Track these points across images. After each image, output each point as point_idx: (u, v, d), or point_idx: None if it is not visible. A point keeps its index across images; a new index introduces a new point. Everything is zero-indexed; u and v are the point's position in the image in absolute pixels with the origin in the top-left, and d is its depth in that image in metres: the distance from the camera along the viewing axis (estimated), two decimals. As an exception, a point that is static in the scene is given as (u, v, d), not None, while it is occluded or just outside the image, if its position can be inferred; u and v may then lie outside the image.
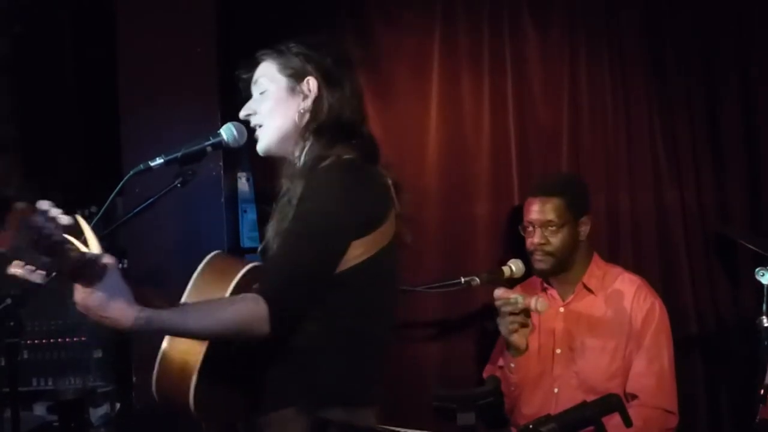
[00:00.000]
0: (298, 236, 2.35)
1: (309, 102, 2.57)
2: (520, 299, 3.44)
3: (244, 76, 2.68)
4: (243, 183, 4.09)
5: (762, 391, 3.21)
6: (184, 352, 2.30)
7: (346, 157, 2.46)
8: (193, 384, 2.29)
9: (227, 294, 2.35)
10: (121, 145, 3.77)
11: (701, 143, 4.09)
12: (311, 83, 2.57)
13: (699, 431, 3.99)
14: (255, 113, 2.61)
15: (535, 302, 3.40)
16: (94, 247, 2.02)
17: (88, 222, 2.07)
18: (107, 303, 2.04)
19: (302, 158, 2.52)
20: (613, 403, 2.62)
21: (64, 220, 1.94)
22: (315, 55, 2.59)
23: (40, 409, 3.90)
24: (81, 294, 2.04)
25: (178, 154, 2.61)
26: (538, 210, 3.66)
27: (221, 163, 3.76)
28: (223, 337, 2.25)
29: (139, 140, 3.70)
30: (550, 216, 3.63)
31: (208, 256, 2.45)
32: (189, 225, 3.73)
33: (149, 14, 3.81)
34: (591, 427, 2.56)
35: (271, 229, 2.50)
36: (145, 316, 2.09)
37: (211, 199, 3.75)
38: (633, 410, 3.09)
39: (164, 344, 2.33)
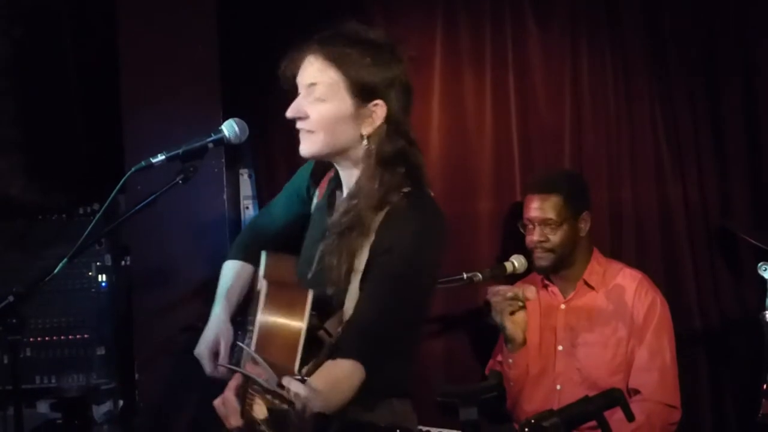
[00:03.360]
0: (395, 295, 2.34)
1: (373, 128, 2.42)
2: (507, 289, 3.52)
3: (288, 72, 2.49)
4: (245, 179, 4.10)
5: (765, 386, 3.21)
6: None
7: (418, 192, 2.43)
8: None
9: (304, 325, 2.30)
10: (123, 143, 3.78)
11: (703, 138, 4.08)
12: (379, 109, 2.40)
13: (702, 426, 3.99)
14: (306, 118, 2.44)
15: (521, 290, 3.48)
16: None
17: (90, 219, 2.07)
18: None
19: (364, 181, 2.43)
20: (616, 397, 2.62)
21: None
22: (387, 74, 2.41)
23: (43, 407, 3.91)
24: None
25: (180, 151, 2.60)
26: (537, 207, 3.66)
27: (223, 160, 3.77)
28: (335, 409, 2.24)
29: (141, 138, 3.72)
30: (550, 214, 3.63)
31: (265, 286, 2.38)
32: (191, 222, 3.74)
33: (150, 12, 3.82)
34: (593, 422, 2.56)
35: (318, 243, 2.49)
36: None
37: (213, 196, 3.76)
38: (636, 405, 3.10)
39: None
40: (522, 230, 3.73)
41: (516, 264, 3.72)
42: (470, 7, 4.16)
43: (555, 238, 3.64)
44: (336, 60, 2.40)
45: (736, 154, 4.06)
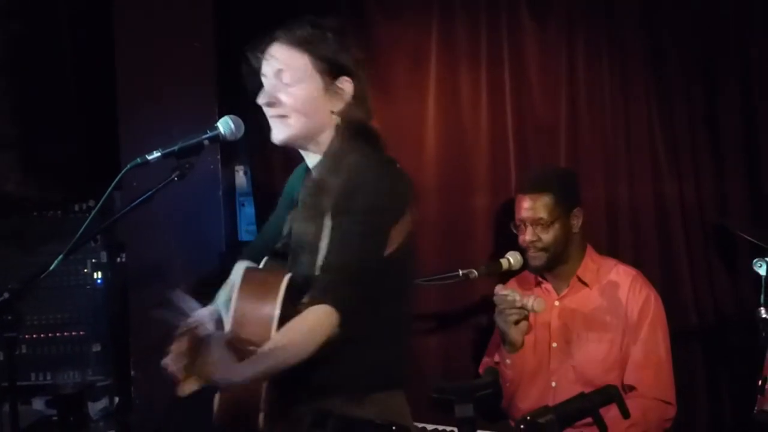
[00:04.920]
0: (352, 235, 2.37)
1: (343, 103, 2.53)
2: (518, 297, 3.48)
3: (258, 55, 2.58)
4: (240, 176, 4.11)
5: (760, 382, 3.21)
6: None
7: (373, 154, 2.50)
8: (262, 398, 2.30)
9: (276, 309, 2.32)
10: (119, 140, 3.77)
11: (700, 135, 4.08)
12: (347, 85, 2.52)
13: (698, 422, 3.99)
14: (278, 103, 2.53)
15: (533, 302, 3.44)
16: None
17: (86, 216, 2.08)
18: (217, 370, 2.19)
19: (329, 152, 2.52)
20: (611, 394, 2.62)
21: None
22: (347, 51, 2.54)
23: (38, 404, 3.91)
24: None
25: (176, 148, 2.60)
26: (528, 208, 3.65)
27: (219, 157, 3.76)
28: (311, 354, 2.27)
29: (137, 135, 3.71)
30: (541, 213, 3.63)
31: (242, 274, 2.42)
32: (187, 218, 3.74)
33: (147, 10, 3.82)
34: (589, 419, 2.56)
35: (298, 219, 2.51)
36: (248, 372, 2.20)
37: (209, 193, 3.76)
38: (631, 401, 3.10)
39: None
40: (514, 230, 3.73)
41: (512, 261, 3.73)
42: (466, 4, 4.16)
43: (547, 237, 3.64)
44: (301, 43, 2.52)
45: (733, 152, 4.06)
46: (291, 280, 2.39)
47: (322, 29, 2.55)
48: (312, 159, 2.60)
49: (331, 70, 2.51)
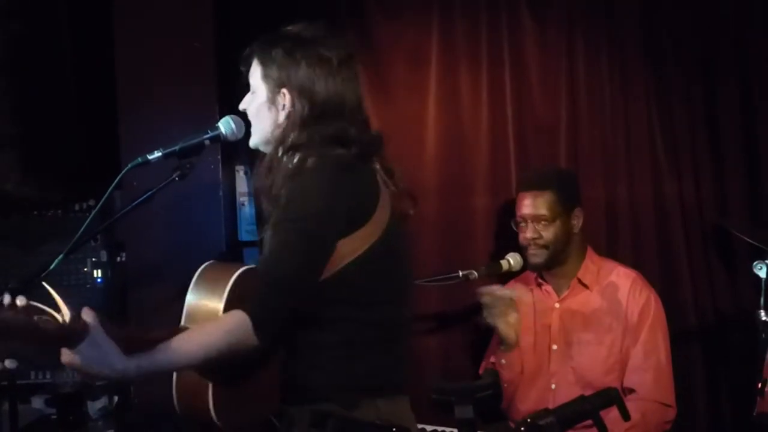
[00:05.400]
0: (279, 246, 2.34)
1: (284, 116, 2.53)
2: (496, 289, 3.58)
3: (243, 68, 2.65)
4: (241, 176, 4.10)
5: (760, 384, 3.21)
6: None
7: (324, 157, 2.44)
8: (210, 395, 2.29)
9: (221, 304, 2.32)
10: (119, 139, 3.77)
11: (700, 135, 4.08)
12: (286, 97, 2.52)
13: (698, 424, 3.99)
14: (247, 110, 2.63)
15: (511, 291, 3.55)
16: (64, 309, 2.01)
17: (86, 216, 2.07)
18: (94, 361, 2.06)
19: (286, 160, 2.50)
20: (612, 396, 2.62)
21: (21, 301, 1.95)
22: (293, 63, 2.51)
23: (38, 403, 3.90)
24: (67, 356, 2.05)
25: (176, 148, 2.61)
26: (529, 204, 3.67)
27: (219, 157, 3.76)
28: (218, 359, 2.22)
29: (137, 135, 3.71)
30: (542, 210, 3.64)
31: (200, 269, 2.41)
32: (187, 218, 3.73)
33: (147, 9, 3.81)
34: (589, 421, 2.57)
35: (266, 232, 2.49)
36: (134, 365, 2.10)
37: (209, 193, 3.75)
38: (631, 404, 3.10)
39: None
40: (515, 228, 3.74)
41: (512, 261, 3.73)
42: (466, 4, 4.16)
43: (548, 234, 3.65)
44: (260, 55, 2.58)
45: (733, 152, 4.06)
46: (247, 274, 2.38)
47: (283, 39, 2.56)
48: None
49: (273, 83, 2.54)
